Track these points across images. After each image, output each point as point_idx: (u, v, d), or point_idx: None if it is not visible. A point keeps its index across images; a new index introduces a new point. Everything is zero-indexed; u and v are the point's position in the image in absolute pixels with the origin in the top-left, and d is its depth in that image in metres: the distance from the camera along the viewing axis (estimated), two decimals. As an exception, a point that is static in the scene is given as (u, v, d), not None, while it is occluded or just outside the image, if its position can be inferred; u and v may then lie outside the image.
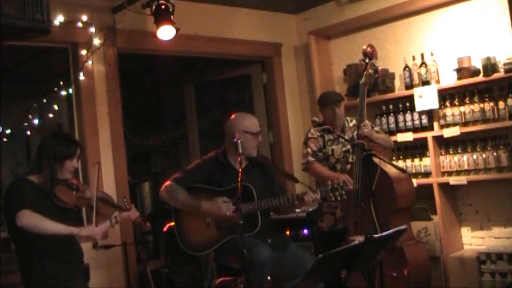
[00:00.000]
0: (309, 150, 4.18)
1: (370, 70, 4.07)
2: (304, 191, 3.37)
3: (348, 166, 4.10)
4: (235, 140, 3.17)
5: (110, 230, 4.21)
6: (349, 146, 4.14)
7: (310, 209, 4.53)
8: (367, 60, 4.09)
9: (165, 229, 4.45)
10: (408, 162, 4.74)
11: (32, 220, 2.77)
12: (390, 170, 3.83)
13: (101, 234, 3.00)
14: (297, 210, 4.35)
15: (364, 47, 4.14)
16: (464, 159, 4.44)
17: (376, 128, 4.32)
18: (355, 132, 4.06)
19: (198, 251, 3.58)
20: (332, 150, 4.18)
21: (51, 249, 2.91)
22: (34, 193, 2.88)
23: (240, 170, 3.09)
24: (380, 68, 4.33)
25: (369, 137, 3.92)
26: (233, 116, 3.63)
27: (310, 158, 4.16)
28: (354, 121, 4.24)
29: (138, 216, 3.28)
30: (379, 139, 4.06)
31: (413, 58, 4.74)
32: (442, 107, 4.53)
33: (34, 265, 2.88)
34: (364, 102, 4.03)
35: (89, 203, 3.07)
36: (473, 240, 4.66)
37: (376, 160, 3.61)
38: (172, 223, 3.69)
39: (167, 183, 3.51)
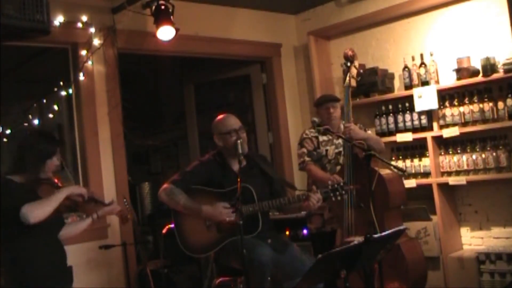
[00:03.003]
0: (304, 150, 4.20)
1: (352, 73, 4.13)
2: (305, 194, 3.37)
3: (338, 168, 4.11)
4: (234, 139, 3.36)
5: (110, 230, 4.24)
6: (341, 149, 4.15)
7: (310, 209, 4.54)
8: (348, 64, 4.16)
9: (164, 231, 4.43)
10: (408, 162, 4.75)
11: (39, 210, 2.75)
12: (382, 169, 3.87)
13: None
14: (303, 212, 4.37)
15: (346, 50, 4.20)
16: (463, 159, 4.44)
17: (369, 131, 4.34)
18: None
19: (200, 253, 3.56)
20: (326, 151, 4.19)
21: (36, 250, 2.86)
22: (18, 192, 2.84)
23: (239, 170, 3.11)
24: (361, 71, 4.39)
25: (356, 137, 3.93)
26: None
27: (306, 158, 4.18)
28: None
29: (120, 210, 3.27)
30: (370, 139, 4.07)
31: (413, 59, 4.74)
32: (442, 107, 4.53)
33: (19, 267, 2.83)
34: (350, 105, 4.07)
35: (73, 201, 3.02)
36: (472, 240, 4.66)
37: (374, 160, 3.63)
38: (171, 225, 3.68)
39: (166, 185, 3.49)
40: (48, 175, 2.97)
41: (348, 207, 3.85)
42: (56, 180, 3.05)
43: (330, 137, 4.15)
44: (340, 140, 4.13)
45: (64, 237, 3.10)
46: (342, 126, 4.25)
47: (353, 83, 4.14)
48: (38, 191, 2.91)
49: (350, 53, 4.17)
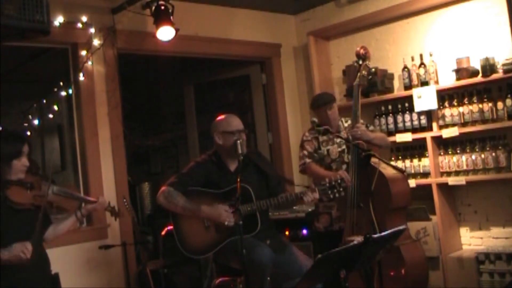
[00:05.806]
0: (305, 152, 4.20)
1: (363, 72, 4.12)
2: (303, 191, 3.38)
3: (344, 166, 4.10)
4: (235, 139, 3.36)
5: (110, 230, 4.24)
6: (344, 146, 4.14)
7: (309, 209, 4.54)
8: (360, 62, 4.14)
9: (163, 233, 4.43)
10: (407, 162, 4.75)
11: None
12: (386, 170, 3.85)
13: (28, 252, 2.63)
14: (295, 207, 4.45)
15: (358, 48, 4.17)
16: (463, 160, 4.45)
17: (371, 127, 4.32)
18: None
19: (199, 254, 3.55)
20: (328, 150, 4.18)
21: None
22: None
23: (237, 170, 3.11)
24: (373, 69, 4.36)
25: (364, 138, 3.93)
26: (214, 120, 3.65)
27: (307, 160, 4.18)
28: (349, 122, 4.23)
29: (107, 205, 3.20)
30: (376, 139, 4.08)
31: (412, 59, 4.75)
32: (441, 107, 4.54)
33: None
34: (358, 103, 4.05)
35: (48, 200, 2.88)
36: (471, 240, 4.67)
37: (374, 160, 3.63)
38: (170, 227, 3.67)
39: (163, 188, 3.48)
40: (17, 176, 2.81)
41: (351, 206, 3.85)
42: (30, 179, 2.86)
43: (330, 136, 4.14)
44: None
45: (48, 239, 2.96)
46: (341, 124, 4.25)
47: (364, 81, 4.12)
48: (9, 194, 2.77)
49: (362, 51, 4.14)
